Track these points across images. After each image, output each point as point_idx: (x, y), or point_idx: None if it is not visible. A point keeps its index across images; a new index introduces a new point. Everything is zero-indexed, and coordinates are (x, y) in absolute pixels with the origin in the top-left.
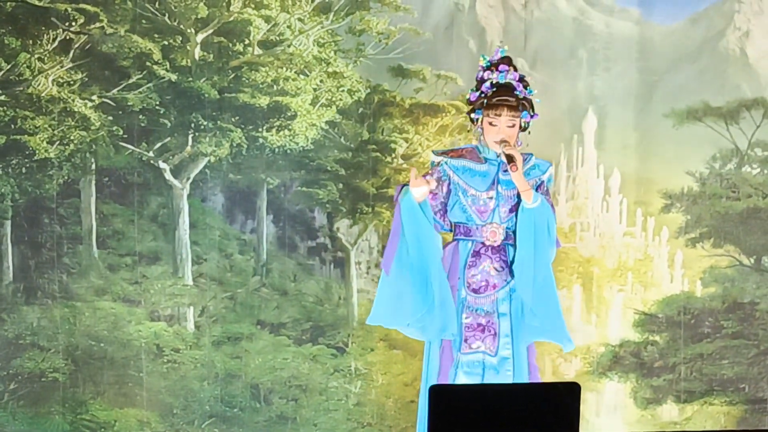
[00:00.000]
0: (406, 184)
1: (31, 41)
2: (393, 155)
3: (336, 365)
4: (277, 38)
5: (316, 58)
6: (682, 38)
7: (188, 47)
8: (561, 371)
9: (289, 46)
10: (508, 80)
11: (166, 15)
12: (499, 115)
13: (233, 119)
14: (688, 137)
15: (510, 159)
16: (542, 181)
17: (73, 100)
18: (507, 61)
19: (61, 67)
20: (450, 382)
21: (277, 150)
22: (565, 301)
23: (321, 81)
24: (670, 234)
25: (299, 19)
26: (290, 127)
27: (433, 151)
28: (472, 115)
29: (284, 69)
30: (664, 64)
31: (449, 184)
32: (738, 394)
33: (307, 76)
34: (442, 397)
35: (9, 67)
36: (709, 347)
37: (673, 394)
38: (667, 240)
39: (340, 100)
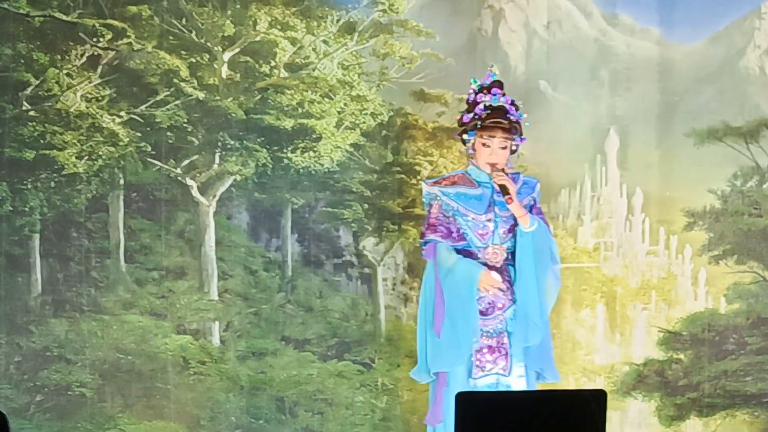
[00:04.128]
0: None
1: (59, 56)
2: (418, 177)
3: (362, 380)
4: (303, 61)
5: (340, 82)
6: (702, 58)
7: (215, 65)
8: None
9: (314, 70)
10: (500, 103)
11: (193, 32)
12: (493, 137)
13: (259, 140)
14: (709, 156)
15: (504, 190)
16: (534, 200)
17: (102, 116)
18: (498, 84)
19: (90, 82)
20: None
21: (301, 171)
22: (589, 320)
23: (345, 104)
24: (694, 252)
25: (324, 41)
26: (315, 148)
27: (424, 181)
28: (464, 136)
29: (309, 92)
30: (685, 85)
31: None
32: (761, 409)
33: (332, 99)
34: (469, 405)
35: (38, 82)
36: (733, 364)
37: (696, 410)
38: (691, 258)
39: (364, 122)
